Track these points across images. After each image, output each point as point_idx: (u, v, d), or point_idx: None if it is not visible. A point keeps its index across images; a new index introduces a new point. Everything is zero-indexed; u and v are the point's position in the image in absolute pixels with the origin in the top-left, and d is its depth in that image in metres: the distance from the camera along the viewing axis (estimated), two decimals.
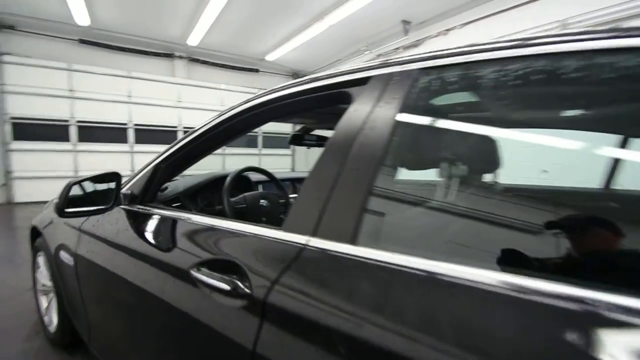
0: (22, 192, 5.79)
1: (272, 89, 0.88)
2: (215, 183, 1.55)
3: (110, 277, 1.01)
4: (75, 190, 1.12)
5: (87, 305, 1.19)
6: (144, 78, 6.71)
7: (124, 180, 1.24)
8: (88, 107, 6.29)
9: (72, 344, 1.45)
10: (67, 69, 6.18)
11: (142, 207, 1.10)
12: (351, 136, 0.58)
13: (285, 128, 8.81)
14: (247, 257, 0.63)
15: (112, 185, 1.20)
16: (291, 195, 1.61)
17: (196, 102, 7.34)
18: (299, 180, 2.13)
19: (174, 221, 0.94)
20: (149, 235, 1.00)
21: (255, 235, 0.66)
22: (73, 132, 6.23)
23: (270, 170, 1.61)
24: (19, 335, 1.60)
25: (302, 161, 8.67)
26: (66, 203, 1.05)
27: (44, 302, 1.60)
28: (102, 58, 6.47)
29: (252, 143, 8.25)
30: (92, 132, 6.40)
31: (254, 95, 0.92)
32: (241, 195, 1.39)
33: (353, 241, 0.50)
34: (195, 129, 1.07)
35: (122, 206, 1.17)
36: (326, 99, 0.76)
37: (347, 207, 0.53)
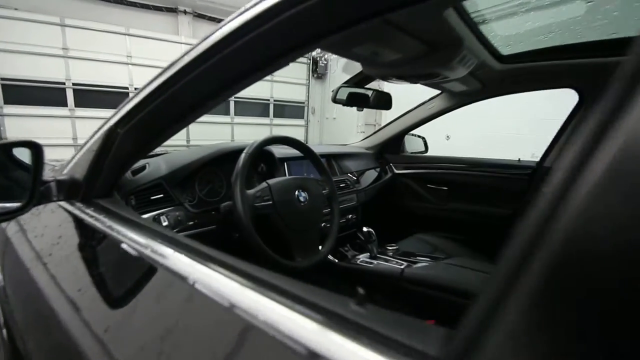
0: None
1: None
2: (220, 162, 1.00)
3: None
4: None
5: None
6: (144, 36, 6.03)
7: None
8: (85, 68, 5.71)
9: None
10: (60, 24, 5.54)
11: (84, 207, 0.58)
12: None
13: (300, 95, 8.11)
14: None
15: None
16: (336, 179, 1.04)
17: None
18: (336, 156, 1.56)
19: (129, 257, 0.43)
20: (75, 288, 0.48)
21: None
22: (70, 95, 5.70)
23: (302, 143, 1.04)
24: None
25: (316, 133, 8.04)
26: None
27: None
28: (98, 12, 5.78)
29: (264, 112, 7.62)
30: (91, 96, 5.86)
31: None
32: (264, 184, 0.84)
33: None
34: (174, 61, 0.53)
35: (54, 203, 0.64)
36: None
37: None
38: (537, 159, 1.60)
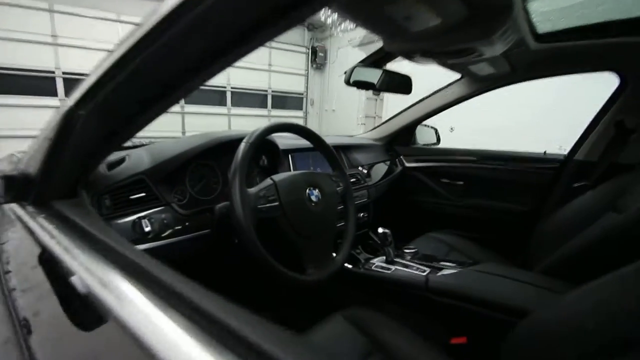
0: (6, 153, 5.20)
1: None
2: (215, 153, 0.85)
3: None
4: None
5: None
6: (136, 23, 5.78)
7: None
8: (75, 56, 5.48)
9: None
10: (49, 9, 5.29)
11: (35, 212, 0.43)
12: None
13: (299, 86, 7.90)
14: None
15: None
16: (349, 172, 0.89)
17: None
18: (345, 148, 1.41)
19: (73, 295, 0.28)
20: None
21: None
22: (60, 85, 5.48)
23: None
24: None
25: (315, 125, 7.86)
26: None
27: None
28: None
29: (262, 103, 7.41)
30: None
31: None
32: (268, 181, 0.70)
33: None
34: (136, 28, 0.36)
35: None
36: None
37: None
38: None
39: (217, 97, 6.61)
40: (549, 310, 0.61)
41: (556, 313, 0.60)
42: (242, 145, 0.65)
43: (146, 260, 0.32)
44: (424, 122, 1.78)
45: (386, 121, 1.84)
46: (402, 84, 1.04)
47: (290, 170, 1.07)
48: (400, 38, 0.73)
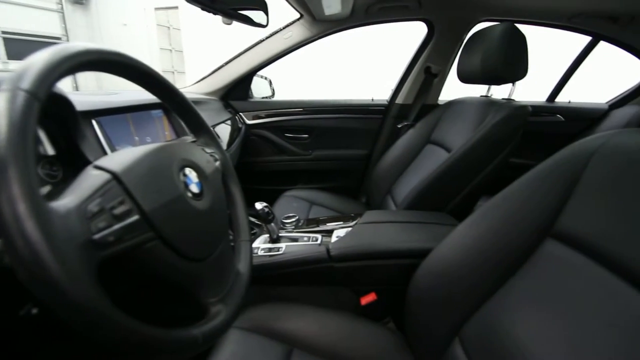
0: None
1: None
2: None
3: None
4: None
5: None
6: None
7: None
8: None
9: None
10: None
11: None
12: None
13: (52, 27, 5.58)
14: None
15: None
16: (208, 150, 0.57)
17: None
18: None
19: None
20: None
21: None
22: None
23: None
24: None
25: (91, 83, 5.85)
26: None
27: None
28: None
29: None
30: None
31: None
32: (95, 174, 0.33)
33: None
34: None
35: None
36: None
37: None
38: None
39: None
40: (442, 244, 0.64)
41: (447, 243, 0.63)
42: (9, 99, 0.25)
43: None
44: (259, 73, 1.57)
45: (215, 70, 1.49)
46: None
47: (101, 147, 0.64)
48: None
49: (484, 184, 1.04)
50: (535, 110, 1.49)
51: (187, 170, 0.42)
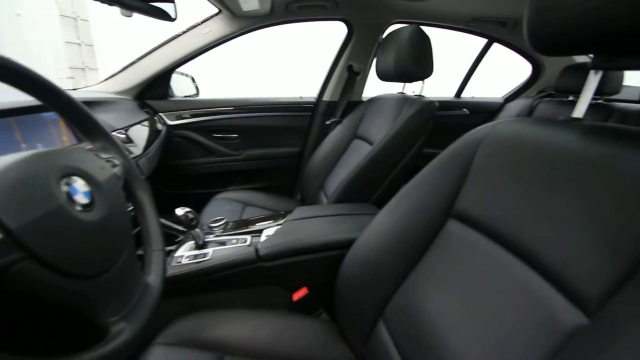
0: None
1: None
2: None
3: None
4: None
5: None
6: None
7: None
8: None
9: None
10: None
11: None
12: None
13: None
14: None
15: None
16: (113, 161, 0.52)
17: None
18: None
19: None
20: None
21: None
22: None
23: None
24: None
25: None
26: None
27: None
28: None
29: None
30: None
31: None
32: None
33: None
34: None
35: None
36: None
37: None
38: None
39: None
40: (364, 233, 0.68)
41: (369, 231, 0.67)
42: None
43: None
44: (179, 70, 1.47)
45: (125, 67, 1.36)
46: None
47: None
48: None
49: (403, 174, 1.12)
50: (444, 104, 1.66)
51: (72, 179, 0.38)
